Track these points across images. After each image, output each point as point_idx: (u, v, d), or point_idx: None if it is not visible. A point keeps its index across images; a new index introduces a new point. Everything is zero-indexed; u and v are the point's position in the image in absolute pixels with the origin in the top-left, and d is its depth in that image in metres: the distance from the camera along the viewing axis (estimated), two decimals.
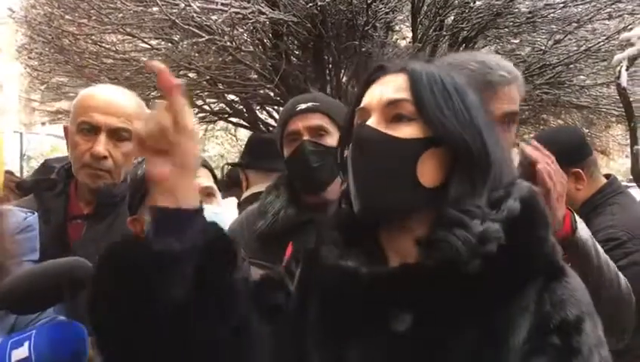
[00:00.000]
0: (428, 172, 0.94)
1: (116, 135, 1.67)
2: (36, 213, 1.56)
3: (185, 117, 0.94)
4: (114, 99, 1.70)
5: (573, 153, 2.28)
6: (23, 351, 1.14)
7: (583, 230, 1.45)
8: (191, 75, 7.62)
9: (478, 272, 0.88)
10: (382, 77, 1.01)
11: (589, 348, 0.90)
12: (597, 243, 1.48)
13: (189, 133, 0.93)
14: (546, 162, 1.41)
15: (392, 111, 0.96)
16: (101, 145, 1.65)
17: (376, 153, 0.95)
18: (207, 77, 7.42)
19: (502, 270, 0.89)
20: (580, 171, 2.28)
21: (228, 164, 4.01)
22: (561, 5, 6.83)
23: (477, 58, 1.51)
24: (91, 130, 1.66)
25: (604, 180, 2.34)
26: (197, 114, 9.89)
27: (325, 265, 0.98)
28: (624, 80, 4.10)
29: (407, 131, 0.95)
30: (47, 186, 1.77)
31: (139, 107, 1.75)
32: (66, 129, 1.77)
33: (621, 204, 2.24)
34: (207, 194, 1.47)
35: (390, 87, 0.98)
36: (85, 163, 1.67)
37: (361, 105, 1.01)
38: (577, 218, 1.45)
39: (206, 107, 9.41)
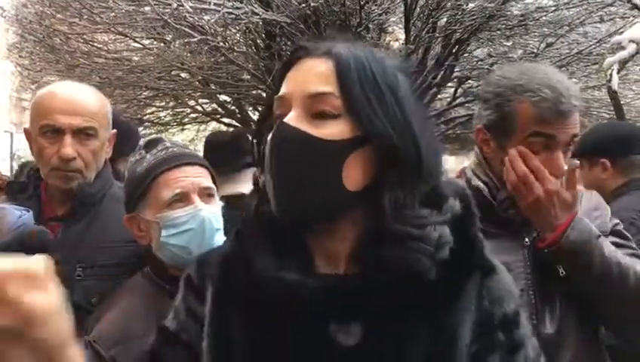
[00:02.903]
0: (354, 174, 0.84)
1: (81, 134, 1.64)
2: (31, 212, 1.54)
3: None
4: (75, 98, 1.65)
5: (609, 145, 2.47)
6: None
7: (584, 234, 1.39)
8: (183, 75, 7.60)
9: (431, 279, 0.85)
10: (304, 59, 0.89)
11: (526, 339, 0.92)
12: (605, 245, 1.41)
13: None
14: (533, 169, 1.39)
15: (316, 106, 0.85)
16: (68, 147, 1.61)
17: (297, 155, 0.84)
18: (200, 77, 7.41)
19: (449, 272, 0.86)
20: (605, 161, 2.44)
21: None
22: (553, 8, 6.86)
23: (548, 80, 1.43)
24: (55, 132, 1.62)
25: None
26: (189, 114, 9.89)
27: (262, 279, 0.86)
28: (615, 83, 4.11)
29: (333, 130, 0.84)
30: (18, 189, 1.75)
31: (101, 103, 1.72)
32: (27, 132, 1.72)
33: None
34: (207, 194, 1.46)
35: (314, 76, 0.87)
36: (54, 166, 1.63)
37: (281, 92, 0.89)
38: (581, 223, 1.40)
39: (198, 108, 9.40)
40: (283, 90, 0.89)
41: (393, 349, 0.84)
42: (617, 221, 1.61)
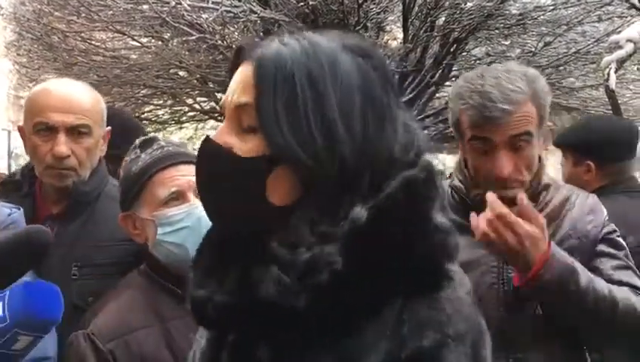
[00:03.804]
0: (279, 191, 0.78)
1: (75, 132, 1.63)
2: (21, 209, 1.54)
3: None
4: (69, 95, 1.65)
5: (597, 148, 2.44)
6: None
7: (558, 271, 1.38)
8: (181, 73, 7.60)
9: (310, 305, 0.73)
10: (243, 61, 0.83)
11: None
12: (582, 276, 1.42)
13: None
14: (497, 215, 1.37)
15: (240, 117, 0.80)
16: (62, 145, 1.60)
17: (218, 171, 0.80)
18: (198, 75, 7.41)
19: (345, 296, 0.74)
20: (591, 164, 2.43)
21: None
22: (551, 8, 6.87)
23: (482, 86, 1.47)
24: (49, 129, 1.62)
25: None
26: (187, 113, 9.88)
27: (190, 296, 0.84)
28: (613, 82, 4.12)
29: (251, 145, 0.79)
30: (12, 188, 1.74)
31: (95, 101, 1.71)
32: (21, 129, 1.72)
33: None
34: None
35: (240, 84, 0.81)
36: (48, 164, 1.63)
37: (222, 100, 0.86)
38: (555, 259, 1.39)
39: (196, 106, 9.39)
40: (223, 97, 0.85)
41: None
42: (613, 228, 1.61)
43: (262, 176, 0.78)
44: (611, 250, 1.58)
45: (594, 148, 2.44)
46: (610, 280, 1.52)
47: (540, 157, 1.58)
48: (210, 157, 0.82)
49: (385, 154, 0.78)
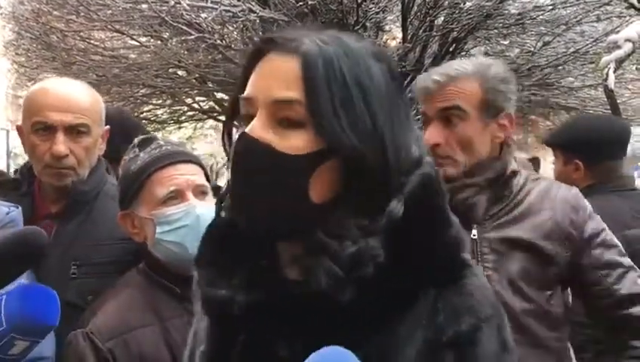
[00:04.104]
0: (320, 188, 0.79)
1: (74, 131, 1.63)
2: (20, 208, 1.54)
3: None
4: (67, 94, 1.64)
5: (585, 148, 2.43)
6: None
7: None
8: (180, 72, 7.60)
9: (354, 298, 0.75)
10: (271, 53, 0.81)
11: (486, 358, 0.79)
12: None
13: None
14: None
15: (280, 113, 0.78)
16: (60, 144, 1.60)
17: (260, 169, 0.78)
18: (197, 75, 7.41)
19: (384, 288, 0.77)
20: (579, 163, 2.43)
21: None
22: (550, 7, 6.88)
23: (441, 67, 1.59)
24: (47, 129, 1.61)
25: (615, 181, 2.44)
26: (186, 112, 9.89)
27: (202, 295, 0.84)
28: (611, 82, 4.13)
29: (298, 141, 0.78)
30: (11, 187, 1.74)
31: (93, 100, 1.71)
32: (19, 129, 1.71)
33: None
34: (201, 192, 1.46)
35: (280, 79, 0.79)
36: (47, 163, 1.63)
37: (246, 93, 0.82)
38: None
39: (195, 105, 9.40)
40: (248, 90, 0.82)
41: None
42: (599, 224, 1.60)
43: (308, 174, 0.78)
44: (607, 256, 1.57)
45: (581, 147, 2.44)
46: (620, 300, 1.54)
47: (506, 144, 1.60)
48: (249, 154, 0.79)
49: (404, 152, 0.81)
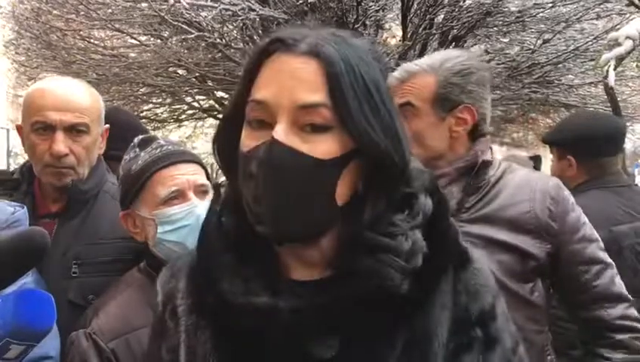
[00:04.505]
0: (345, 189, 0.80)
1: (73, 130, 1.63)
2: (25, 208, 1.54)
3: None
4: (66, 94, 1.65)
5: (577, 145, 2.45)
6: None
7: None
8: (180, 71, 7.59)
9: (409, 289, 0.81)
10: (282, 54, 0.79)
11: (503, 330, 0.90)
12: None
13: None
14: None
15: (306, 118, 0.77)
16: (60, 144, 1.60)
17: (291, 176, 0.77)
18: (197, 74, 7.40)
19: (422, 277, 0.82)
20: (572, 159, 2.45)
21: None
22: (550, 5, 6.86)
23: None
24: (46, 128, 1.62)
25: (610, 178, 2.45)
26: (186, 111, 9.88)
27: (231, 304, 0.82)
28: (612, 79, 4.13)
29: (326, 146, 0.77)
30: (11, 186, 1.74)
31: (93, 99, 1.71)
32: (19, 128, 1.71)
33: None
34: (202, 191, 1.46)
35: (301, 82, 0.77)
36: (47, 163, 1.63)
37: (262, 97, 0.79)
38: None
39: (195, 104, 9.38)
40: (264, 95, 0.79)
41: (369, 359, 0.82)
42: (582, 220, 1.59)
43: (337, 176, 0.79)
44: (587, 251, 1.56)
45: (573, 144, 2.46)
46: (595, 297, 1.54)
47: (480, 135, 1.60)
48: (282, 163, 0.76)
49: (407, 147, 0.85)
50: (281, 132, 0.77)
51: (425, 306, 0.85)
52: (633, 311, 1.58)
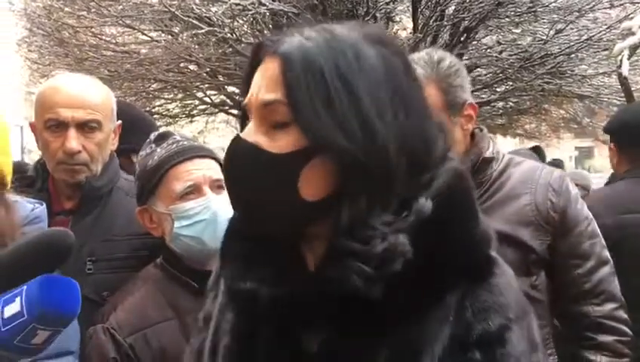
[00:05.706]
0: (312, 185, 0.78)
1: (86, 127, 1.64)
2: (44, 205, 1.56)
3: None
4: (78, 91, 1.65)
5: (617, 132, 2.50)
6: (14, 307, 1.15)
7: None
8: (191, 67, 7.61)
9: (382, 294, 0.76)
10: (265, 58, 0.82)
11: (516, 358, 0.78)
12: None
13: None
14: None
15: (270, 115, 0.80)
16: (73, 140, 1.61)
17: (251, 171, 0.80)
18: (208, 69, 7.41)
19: (411, 285, 0.77)
20: (611, 146, 2.50)
21: None
22: None
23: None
24: (59, 125, 1.62)
25: None
26: (197, 106, 9.91)
27: (228, 289, 0.86)
28: (625, 69, 4.09)
29: (283, 142, 0.78)
30: (26, 183, 1.75)
31: (105, 95, 1.72)
32: (32, 126, 1.72)
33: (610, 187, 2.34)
34: (217, 186, 1.47)
35: (265, 82, 0.81)
36: (60, 160, 1.64)
37: (245, 100, 0.85)
38: None
39: (206, 99, 9.41)
40: (247, 98, 0.84)
41: (350, 360, 0.79)
42: (585, 214, 1.57)
43: (295, 172, 0.78)
44: (584, 247, 1.55)
45: (614, 132, 2.52)
46: (584, 293, 1.53)
47: (477, 129, 1.61)
48: (242, 157, 0.81)
49: (421, 143, 0.80)
50: (248, 130, 0.81)
51: (416, 317, 0.78)
52: (622, 314, 1.57)
